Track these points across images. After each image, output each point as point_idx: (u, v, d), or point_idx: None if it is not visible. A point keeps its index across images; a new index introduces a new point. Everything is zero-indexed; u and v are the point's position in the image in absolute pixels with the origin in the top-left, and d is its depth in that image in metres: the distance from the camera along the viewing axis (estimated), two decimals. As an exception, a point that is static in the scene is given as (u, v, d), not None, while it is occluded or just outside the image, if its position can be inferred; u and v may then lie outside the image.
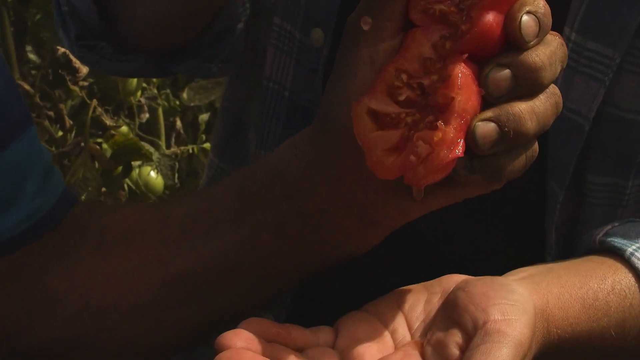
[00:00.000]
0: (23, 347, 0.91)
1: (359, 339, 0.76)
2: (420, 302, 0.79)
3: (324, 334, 0.78)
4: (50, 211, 0.91)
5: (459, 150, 0.71)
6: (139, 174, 1.92)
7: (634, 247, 0.86)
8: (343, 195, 0.79)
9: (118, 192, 1.94)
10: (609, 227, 0.90)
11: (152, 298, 0.87)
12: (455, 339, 0.74)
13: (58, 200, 0.92)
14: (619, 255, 0.86)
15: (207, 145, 2.20)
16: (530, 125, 0.73)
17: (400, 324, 0.78)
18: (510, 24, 0.72)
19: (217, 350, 0.73)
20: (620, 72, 0.90)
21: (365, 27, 0.78)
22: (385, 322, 0.78)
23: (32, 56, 2.12)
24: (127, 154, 1.86)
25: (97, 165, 1.83)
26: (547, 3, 0.75)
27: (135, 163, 1.90)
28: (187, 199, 0.93)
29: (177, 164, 2.09)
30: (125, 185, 1.90)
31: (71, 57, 1.90)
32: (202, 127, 2.45)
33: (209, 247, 0.82)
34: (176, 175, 2.07)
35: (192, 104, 2.16)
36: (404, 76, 0.75)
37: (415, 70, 0.75)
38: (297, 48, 0.98)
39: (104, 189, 1.86)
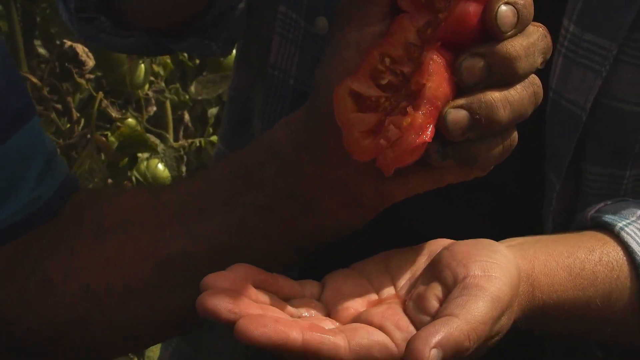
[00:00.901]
0: (23, 332, 0.92)
1: (344, 293, 0.77)
2: (407, 262, 0.79)
3: (310, 286, 0.78)
4: (50, 199, 0.92)
5: (427, 135, 0.71)
6: (147, 166, 1.92)
7: (623, 223, 0.87)
8: (329, 176, 0.80)
9: (124, 184, 1.94)
10: (601, 205, 0.90)
11: (147, 280, 0.88)
12: (435, 292, 0.74)
13: (59, 189, 0.92)
14: (609, 230, 0.86)
15: (214, 138, 2.20)
16: (503, 113, 0.74)
17: (386, 282, 0.79)
18: (488, 14, 0.72)
19: (201, 290, 0.73)
20: (617, 63, 0.90)
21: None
22: (371, 280, 0.78)
23: (40, 50, 2.13)
24: (133, 145, 1.87)
25: (103, 157, 1.84)
26: None
27: (143, 155, 1.91)
28: (182, 182, 0.94)
29: (184, 156, 2.09)
30: (133, 177, 1.91)
31: (78, 50, 1.92)
32: (211, 120, 2.44)
33: (201, 230, 0.83)
34: (184, 168, 2.07)
35: (199, 98, 2.16)
36: (387, 60, 0.76)
37: (399, 55, 0.76)
38: (302, 36, 0.98)
39: (110, 181, 1.86)
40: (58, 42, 1.97)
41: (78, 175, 1.74)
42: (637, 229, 0.87)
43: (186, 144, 2.14)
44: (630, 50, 0.90)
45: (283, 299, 0.75)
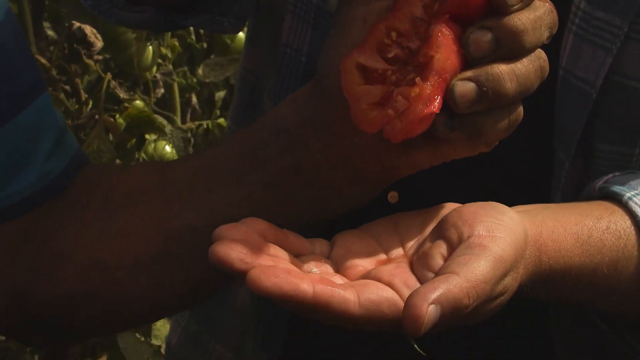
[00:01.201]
0: (35, 305, 0.92)
1: (353, 252, 0.77)
2: (416, 225, 0.79)
3: (319, 245, 0.78)
4: (61, 174, 0.92)
5: (435, 106, 0.72)
6: (155, 148, 1.92)
7: (632, 193, 0.87)
8: (334, 151, 0.80)
9: (131, 164, 1.94)
10: (610, 176, 0.90)
11: (155, 254, 0.88)
12: (440, 250, 0.74)
13: (69, 163, 0.93)
14: (617, 200, 0.86)
15: (222, 121, 2.21)
16: (510, 86, 0.74)
17: (394, 243, 0.78)
18: None
19: (213, 241, 0.73)
20: (627, 41, 0.89)
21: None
22: (380, 241, 0.79)
23: (49, 32, 2.12)
24: (141, 126, 1.87)
25: (111, 137, 1.83)
26: None
27: (151, 137, 1.90)
28: (190, 159, 0.94)
29: (192, 139, 2.09)
30: (140, 158, 1.90)
31: (86, 31, 1.91)
32: (218, 103, 2.44)
33: (208, 205, 0.84)
34: (191, 149, 2.07)
35: (207, 80, 2.16)
36: (393, 34, 0.76)
37: (406, 29, 0.76)
38: (314, 14, 0.98)
39: (117, 161, 1.86)
40: (67, 24, 1.96)
41: (86, 155, 1.77)
42: None
43: (193, 126, 2.14)
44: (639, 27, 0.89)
45: (293, 255, 0.75)
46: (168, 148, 1.92)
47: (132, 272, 0.89)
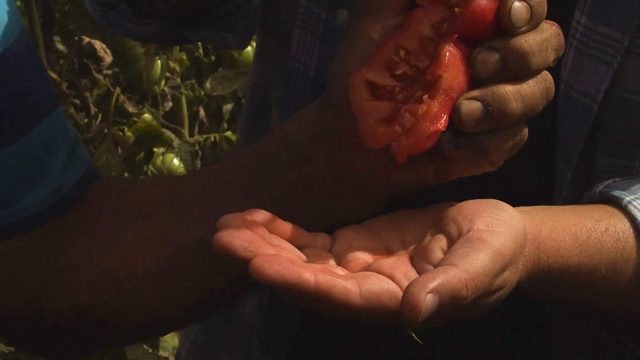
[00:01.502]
0: (48, 314, 0.92)
1: (354, 246, 0.77)
2: (417, 221, 0.79)
3: (321, 238, 0.78)
4: (73, 187, 0.93)
5: (441, 124, 0.72)
6: (163, 161, 1.93)
7: (632, 197, 0.87)
8: (341, 165, 0.81)
9: (140, 177, 1.93)
10: (610, 181, 0.90)
11: (165, 266, 0.89)
12: (439, 244, 0.74)
13: (81, 177, 0.93)
14: (617, 204, 0.86)
15: (229, 134, 2.21)
16: (516, 106, 0.74)
17: (395, 238, 0.79)
18: (502, 10, 0.73)
19: (217, 230, 0.73)
20: (628, 55, 0.90)
21: (343, 21, 0.80)
22: (381, 236, 0.79)
23: (59, 46, 2.13)
24: (149, 140, 1.88)
25: (120, 151, 1.84)
26: None
27: (159, 150, 1.91)
28: (199, 172, 0.95)
29: (199, 151, 2.10)
30: (149, 172, 1.91)
31: (96, 46, 1.92)
32: (226, 116, 2.45)
33: (217, 218, 0.83)
34: (199, 162, 2.08)
35: (215, 94, 2.17)
36: (402, 52, 0.77)
37: (414, 47, 0.77)
38: (322, 29, 0.98)
39: (126, 174, 1.86)
40: (77, 39, 1.97)
41: (96, 168, 1.77)
42: None
43: (201, 139, 2.14)
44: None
45: (295, 247, 0.75)
46: (176, 161, 1.92)
47: (141, 284, 0.90)
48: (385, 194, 0.81)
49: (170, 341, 1.87)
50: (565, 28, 0.82)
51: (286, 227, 0.77)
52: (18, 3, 1.97)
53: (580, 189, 0.93)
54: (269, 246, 0.72)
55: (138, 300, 0.90)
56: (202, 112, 2.36)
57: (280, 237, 0.76)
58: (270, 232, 0.75)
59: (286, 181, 0.82)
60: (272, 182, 0.82)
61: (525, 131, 0.77)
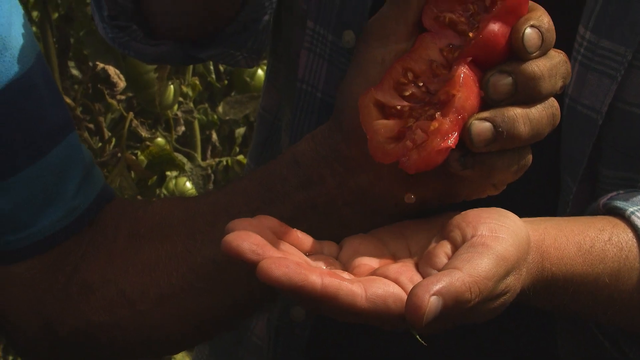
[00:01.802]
0: (63, 332, 0.92)
1: (361, 253, 0.77)
2: (422, 230, 0.80)
3: (328, 246, 0.79)
4: (88, 208, 0.93)
5: (452, 141, 0.73)
6: (175, 184, 1.93)
7: (635, 208, 0.87)
8: (348, 187, 0.82)
9: (153, 199, 1.94)
10: (614, 193, 0.91)
11: (178, 286, 0.89)
12: (444, 249, 0.74)
13: (96, 198, 0.94)
14: (620, 215, 0.87)
15: (241, 157, 2.22)
16: (524, 129, 0.75)
17: (400, 246, 0.79)
18: (515, 35, 0.75)
19: (225, 233, 0.73)
20: (631, 68, 0.91)
21: (349, 43, 0.81)
22: (387, 244, 0.79)
23: (74, 71, 2.14)
24: (162, 164, 1.88)
25: (133, 174, 1.84)
26: (563, 4, 0.78)
27: (172, 174, 1.91)
28: (212, 193, 0.94)
29: (212, 175, 2.10)
30: (161, 195, 1.91)
31: (110, 72, 1.92)
32: (238, 140, 2.45)
33: None
34: (211, 186, 2.08)
35: (227, 118, 2.17)
36: (410, 74, 0.78)
37: (422, 70, 0.78)
38: (329, 50, 0.99)
39: (139, 197, 1.86)
40: (91, 64, 1.98)
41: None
42: None
43: (213, 163, 2.15)
44: None
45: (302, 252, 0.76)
46: (189, 184, 1.93)
47: (155, 304, 0.90)
48: (389, 215, 0.82)
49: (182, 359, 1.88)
50: (569, 43, 0.84)
51: (294, 233, 0.77)
52: (34, 28, 1.97)
53: (585, 202, 0.94)
54: (277, 250, 0.72)
55: (151, 319, 0.91)
56: (214, 136, 2.36)
57: (288, 243, 0.76)
58: (279, 238, 0.75)
59: (295, 203, 0.83)
60: (281, 204, 0.83)
61: (530, 157, 0.78)
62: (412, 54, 0.79)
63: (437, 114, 0.75)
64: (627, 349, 0.92)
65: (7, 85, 0.88)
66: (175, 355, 1.84)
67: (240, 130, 2.46)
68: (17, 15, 0.91)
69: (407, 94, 0.79)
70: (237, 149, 2.35)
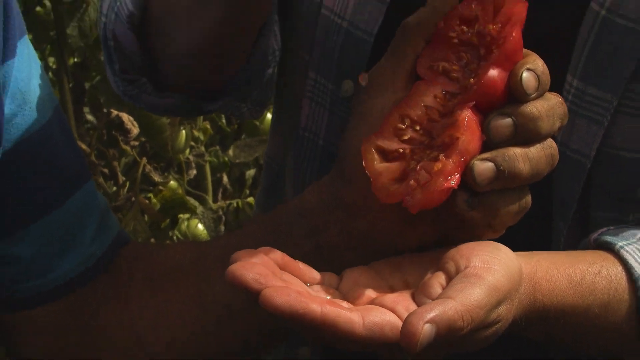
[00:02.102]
0: None
1: (360, 284, 0.78)
2: (418, 264, 0.80)
3: (329, 277, 0.79)
4: (105, 253, 0.94)
5: (454, 182, 0.75)
6: (187, 226, 1.94)
7: (624, 242, 0.88)
8: (351, 233, 0.84)
9: (166, 242, 1.92)
10: (604, 229, 0.92)
11: (192, 329, 0.90)
12: (439, 280, 0.75)
13: (111, 244, 0.95)
14: (610, 249, 0.88)
15: (251, 199, 2.20)
16: (524, 167, 0.77)
17: (398, 278, 0.79)
18: (513, 79, 0.77)
19: (230, 263, 0.73)
20: (617, 114, 0.92)
21: (363, 83, 0.83)
22: (384, 276, 0.80)
23: (89, 117, 2.16)
24: (174, 207, 1.89)
25: (146, 218, 1.85)
26: (551, 53, 0.80)
27: (184, 216, 1.91)
28: (223, 237, 0.97)
29: (223, 216, 2.10)
30: (174, 237, 1.91)
31: (123, 119, 1.93)
32: (249, 182, 2.45)
33: None
34: (222, 227, 2.08)
35: (237, 161, 2.18)
36: (407, 120, 0.80)
37: (418, 116, 0.80)
38: (330, 99, 1.00)
39: (152, 240, 1.87)
40: (105, 111, 2.00)
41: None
42: (637, 248, 0.88)
43: (224, 205, 2.15)
44: (628, 102, 0.92)
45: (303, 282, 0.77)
46: (200, 226, 1.93)
47: (168, 347, 0.91)
48: (390, 254, 0.83)
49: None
50: (558, 90, 0.85)
51: (296, 265, 0.78)
52: (50, 74, 1.98)
53: (577, 243, 0.95)
54: (279, 280, 0.73)
55: None
56: (225, 179, 2.37)
57: (290, 274, 0.77)
58: (281, 269, 0.76)
59: (301, 248, 0.84)
60: (287, 248, 0.83)
61: (529, 198, 0.80)
62: (408, 101, 0.81)
63: (441, 156, 0.77)
64: None
65: (27, 138, 0.90)
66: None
67: (251, 172, 2.47)
68: (35, 69, 0.93)
69: (406, 138, 0.80)
70: (248, 191, 2.35)
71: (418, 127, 0.80)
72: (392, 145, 0.80)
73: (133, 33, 0.98)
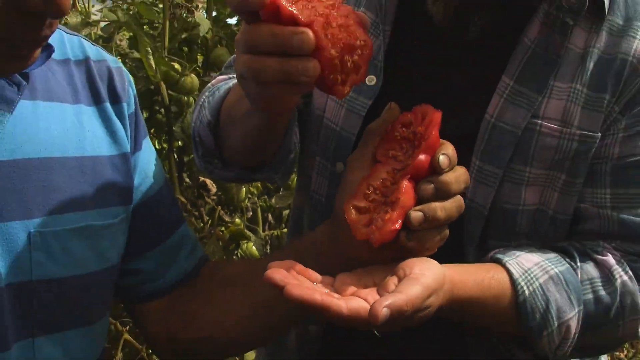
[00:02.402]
0: (182, 340, 0.92)
1: (346, 283, 0.76)
2: (382, 271, 0.79)
3: (327, 279, 0.77)
4: (194, 267, 0.95)
5: (398, 225, 0.76)
6: (246, 248, 1.92)
7: (508, 258, 0.88)
8: (341, 253, 0.84)
9: (232, 258, 1.93)
10: (496, 250, 0.91)
11: (247, 314, 0.89)
12: (393, 281, 0.74)
13: (197, 262, 0.96)
14: (499, 262, 0.88)
15: (286, 230, 2.20)
16: (442, 214, 0.77)
17: (369, 280, 0.78)
18: (434, 160, 0.78)
19: (266, 269, 0.71)
20: (502, 182, 0.91)
21: (340, 169, 0.84)
22: (362, 278, 0.78)
23: (186, 179, 2.14)
24: (238, 237, 1.88)
25: (220, 243, 1.85)
26: (461, 141, 0.80)
27: (244, 242, 1.90)
28: (268, 257, 0.95)
29: (269, 241, 2.09)
30: (238, 256, 1.90)
31: (207, 182, 1.93)
32: (285, 219, 2.41)
33: None
34: (268, 248, 2.07)
35: (277, 206, 2.16)
36: (371, 188, 0.81)
37: (377, 184, 0.81)
38: (329, 174, 0.99)
39: (224, 258, 1.86)
40: (196, 177, 2.00)
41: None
42: (516, 262, 0.88)
43: (269, 234, 2.15)
44: (510, 174, 0.91)
45: (311, 282, 0.76)
46: (254, 248, 1.91)
47: (234, 324, 0.90)
48: (366, 266, 0.83)
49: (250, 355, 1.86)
50: (466, 164, 0.86)
51: (307, 270, 0.77)
52: (163, 154, 1.92)
53: (479, 259, 0.94)
54: (296, 280, 0.73)
55: (232, 333, 0.91)
56: (270, 217, 2.36)
57: (303, 276, 0.76)
58: (298, 273, 0.76)
59: (315, 263, 0.83)
60: (306, 263, 0.82)
61: (447, 231, 0.81)
62: (371, 175, 0.82)
63: (389, 210, 0.78)
64: (510, 346, 0.92)
65: (148, 198, 0.92)
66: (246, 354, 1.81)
67: (286, 212, 2.42)
68: (153, 156, 0.95)
69: (370, 199, 0.81)
70: (284, 225, 2.34)
71: (378, 192, 0.80)
72: (362, 203, 0.81)
73: (210, 133, 0.97)
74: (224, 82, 1.02)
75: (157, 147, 1.96)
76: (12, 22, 0.62)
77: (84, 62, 0.86)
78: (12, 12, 0.61)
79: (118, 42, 1.93)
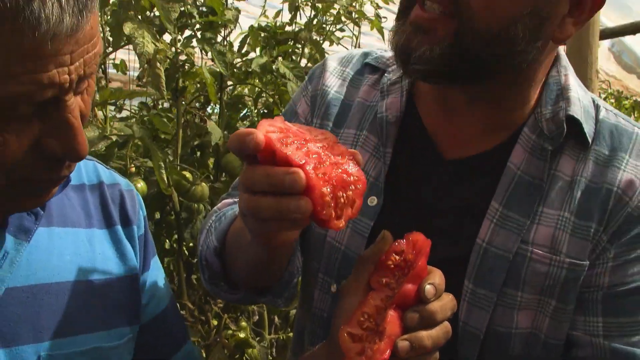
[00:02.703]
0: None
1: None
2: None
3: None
4: None
5: (387, 354, 0.75)
6: (251, 352, 1.89)
7: None
8: None
9: None
10: None
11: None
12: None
13: None
14: None
15: (291, 334, 2.18)
16: (428, 343, 0.76)
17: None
18: (420, 289, 0.77)
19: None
20: (496, 306, 0.90)
21: (334, 290, 0.84)
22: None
23: (194, 281, 2.11)
24: (243, 345, 1.85)
25: (226, 351, 1.81)
26: (453, 263, 0.80)
27: (248, 349, 1.86)
28: None
29: (274, 343, 2.04)
30: None
31: None
32: (291, 320, 2.41)
33: None
34: (274, 351, 2.03)
35: (283, 308, 2.17)
36: (365, 315, 0.81)
37: (371, 312, 0.80)
38: (331, 293, 0.99)
39: None
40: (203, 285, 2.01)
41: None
42: None
43: (275, 337, 2.10)
44: (503, 298, 0.90)
45: None
46: (259, 355, 1.87)
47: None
48: None
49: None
50: (458, 289, 0.86)
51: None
52: (166, 245, 1.91)
53: None
54: None
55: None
56: (276, 319, 2.33)
57: None
58: None
59: None
60: None
61: (437, 355, 0.79)
62: (365, 303, 0.82)
63: (377, 340, 0.77)
64: None
65: (154, 317, 0.92)
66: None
67: (293, 311, 2.40)
68: (160, 275, 0.95)
69: (364, 327, 0.80)
70: (289, 329, 2.31)
71: (371, 319, 0.80)
72: (356, 331, 0.80)
73: (216, 258, 0.98)
74: (230, 207, 1.03)
75: (166, 246, 1.94)
76: (34, 164, 0.65)
77: (98, 187, 0.88)
78: (35, 156, 0.65)
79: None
